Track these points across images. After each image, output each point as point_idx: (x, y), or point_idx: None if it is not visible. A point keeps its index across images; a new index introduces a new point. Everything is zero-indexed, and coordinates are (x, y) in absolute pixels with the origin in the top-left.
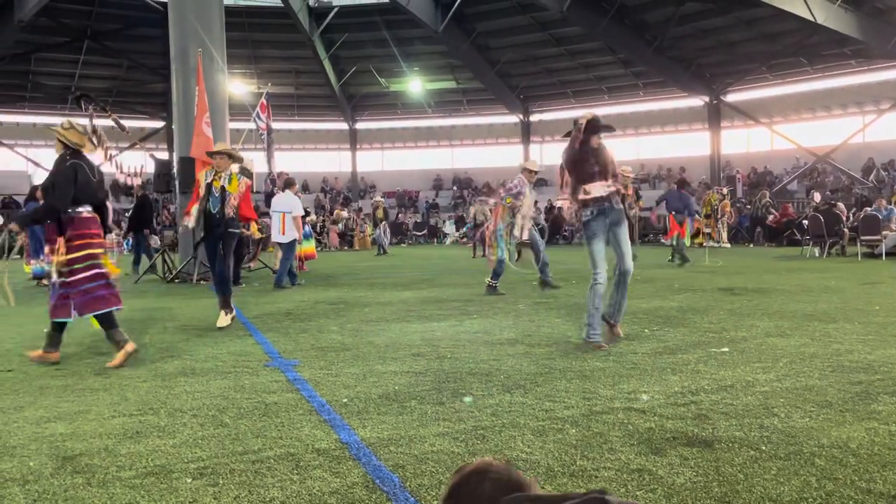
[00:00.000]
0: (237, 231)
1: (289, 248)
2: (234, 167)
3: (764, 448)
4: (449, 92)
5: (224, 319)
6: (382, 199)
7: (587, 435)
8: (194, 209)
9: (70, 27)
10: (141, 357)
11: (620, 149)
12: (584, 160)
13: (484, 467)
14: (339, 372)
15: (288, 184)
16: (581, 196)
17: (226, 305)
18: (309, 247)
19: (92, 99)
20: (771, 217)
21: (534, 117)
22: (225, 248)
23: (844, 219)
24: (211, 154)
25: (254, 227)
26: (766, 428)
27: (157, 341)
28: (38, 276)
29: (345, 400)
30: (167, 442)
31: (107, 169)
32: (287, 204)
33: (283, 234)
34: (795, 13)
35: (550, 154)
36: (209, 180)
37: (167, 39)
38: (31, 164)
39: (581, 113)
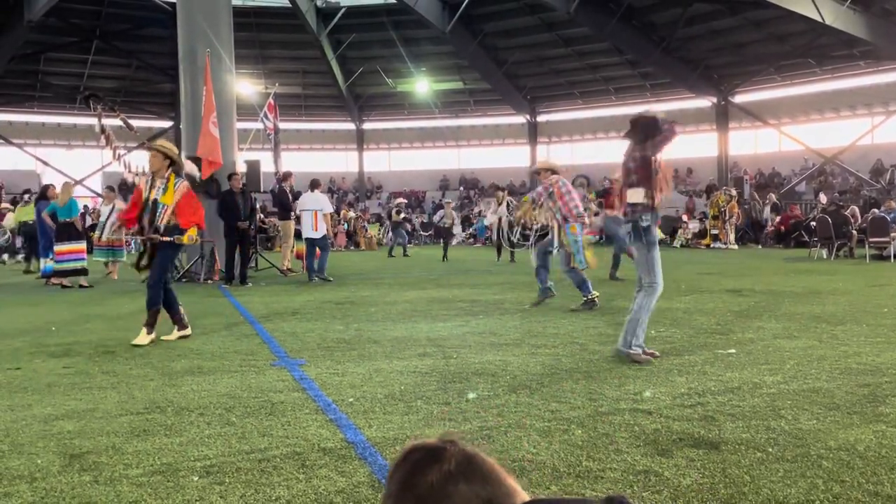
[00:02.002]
0: (168, 240)
1: (322, 243)
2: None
3: (771, 450)
4: (456, 92)
5: (142, 338)
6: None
7: (593, 436)
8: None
9: (79, 27)
10: (148, 356)
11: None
12: (651, 164)
13: (436, 453)
14: (345, 371)
15: (315, 184)
16: (646, 199)
17: (150, 324)
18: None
19: (101, 99)
20: (769, 221)
21: (541, 118)
22: (157, 259)
23: (856, 222)
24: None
25: (191, 232)
26: (773, 430)
27: (163, 341)
28: (47, 275)
29: (351, 399)
30: (174, 440)
31: (115, 168)
32: (318, 202)
33: (316, 230)
34: (804, 14)
35: (557, 155)
36: (147, 193)
37: (175, 40)
38: (41, 163)
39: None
